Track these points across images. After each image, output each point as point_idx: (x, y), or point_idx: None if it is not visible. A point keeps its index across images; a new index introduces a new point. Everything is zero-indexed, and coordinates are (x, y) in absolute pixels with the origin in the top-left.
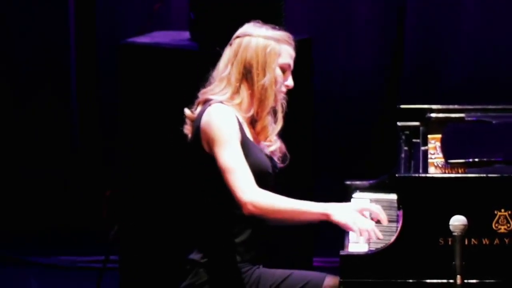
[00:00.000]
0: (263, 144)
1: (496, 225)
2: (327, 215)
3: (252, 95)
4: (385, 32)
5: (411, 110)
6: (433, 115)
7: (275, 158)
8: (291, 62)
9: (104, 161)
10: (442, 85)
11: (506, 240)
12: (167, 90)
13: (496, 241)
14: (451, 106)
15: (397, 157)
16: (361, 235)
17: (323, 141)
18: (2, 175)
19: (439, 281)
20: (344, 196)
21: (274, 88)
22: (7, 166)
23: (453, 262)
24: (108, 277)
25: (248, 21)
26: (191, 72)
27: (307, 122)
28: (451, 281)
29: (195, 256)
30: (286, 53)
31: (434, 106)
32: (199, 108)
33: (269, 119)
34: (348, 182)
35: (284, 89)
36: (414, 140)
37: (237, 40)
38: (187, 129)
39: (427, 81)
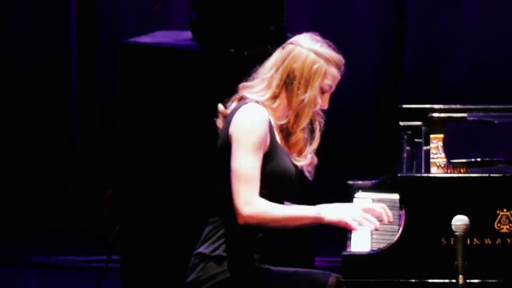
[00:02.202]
0: (294, 156)
1: (498, 225)
2: (320, 218)
3: (289, 106)
4: (385, 32)
5: (413, 109)
6: (435, 114)
7: (304, 170)
8: (333, 86)
9: (104, 161)
10: (443, 85)
11: (508, 240)
12: (168, 90)
13: (498, 241)
14: (453, 106)
15: (399, 157)
16: (360, 225)
17: (325, 141)
18: (2, 175)
19: (441, 281)
20: (346, 196)
21: (313, 107)
22: (7, 166)
23: (455, 262)
24: (109, 277)
25: (249, 20)
26: (193, 72)
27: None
28: (453, 281)
29: (205, 250)
30: (331, 76)
31: (436, 106)
32: (233, 104)
33: (304, 135)
34: (350, 182)
35: (319, 109)
36: (416, 140)
37: (290, 46)
38: (219, 123)
39: (427, 81)
